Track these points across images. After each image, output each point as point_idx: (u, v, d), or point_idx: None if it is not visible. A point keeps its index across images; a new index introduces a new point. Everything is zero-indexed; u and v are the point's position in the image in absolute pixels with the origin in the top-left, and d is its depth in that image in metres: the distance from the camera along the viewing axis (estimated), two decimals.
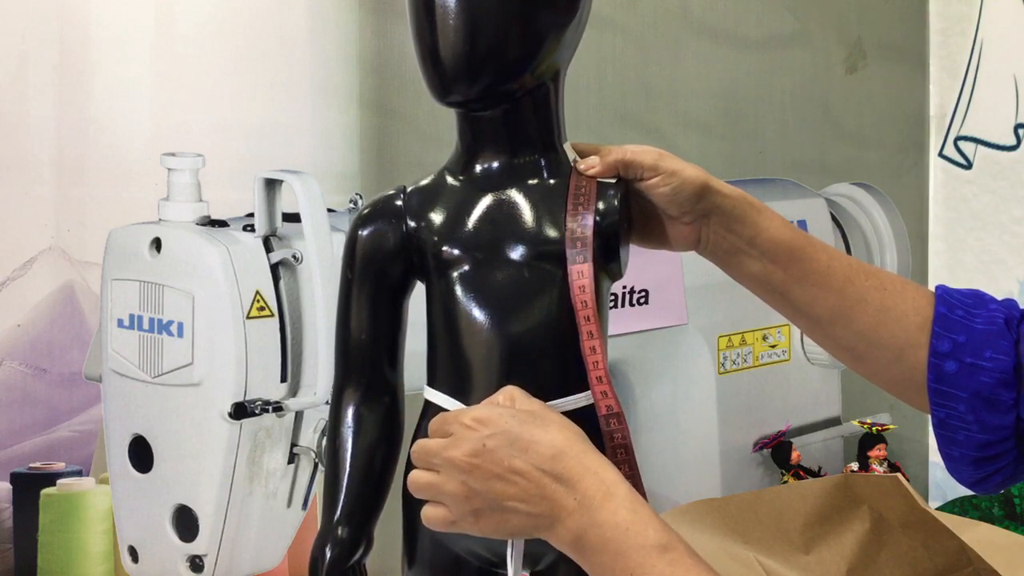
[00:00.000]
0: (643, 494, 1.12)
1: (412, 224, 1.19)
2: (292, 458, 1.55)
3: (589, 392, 1.15)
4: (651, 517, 1.06)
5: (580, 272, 1.14)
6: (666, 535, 1.05)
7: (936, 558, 1.59)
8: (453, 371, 1.17)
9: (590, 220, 1.15)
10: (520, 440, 1.07)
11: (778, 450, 1.97)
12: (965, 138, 2.58)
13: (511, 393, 1.12)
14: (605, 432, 1.13)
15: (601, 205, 1.16)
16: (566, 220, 1.15)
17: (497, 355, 1.15)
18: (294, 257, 1.52)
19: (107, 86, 1.98)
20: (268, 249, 1.52)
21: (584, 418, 1.14)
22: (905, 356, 1.22)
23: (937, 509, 1.80)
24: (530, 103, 1.18)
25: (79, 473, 1.93)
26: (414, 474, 1.11)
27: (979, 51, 2.56)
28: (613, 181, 1.18)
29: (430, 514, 1.11)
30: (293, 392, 1.53)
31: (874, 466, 1.97)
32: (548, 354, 1.15)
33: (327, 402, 1.42)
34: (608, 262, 1.17)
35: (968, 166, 2.58)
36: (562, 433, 1.08)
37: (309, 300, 1.52)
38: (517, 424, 1.08)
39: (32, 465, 1.94)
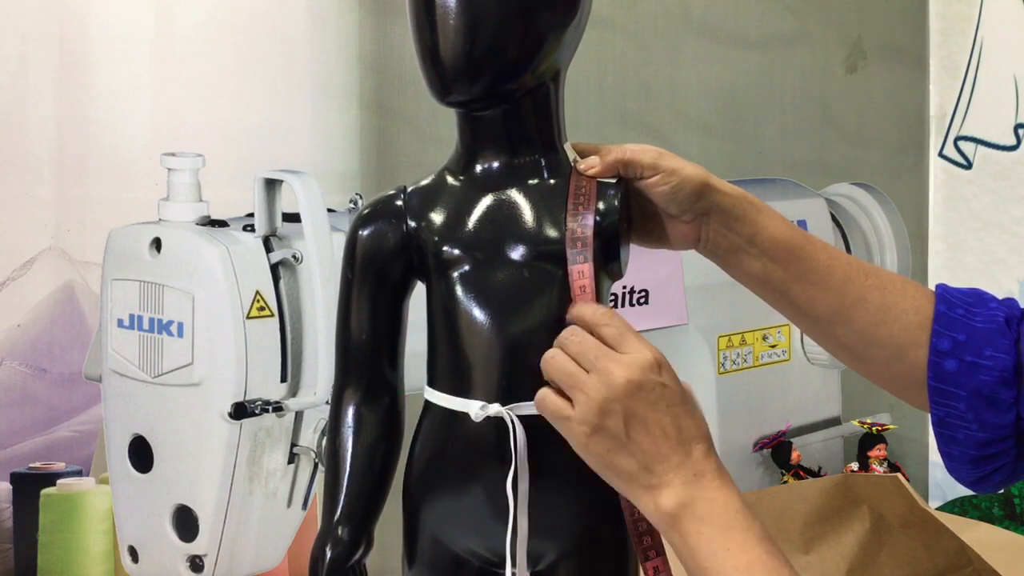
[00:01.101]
0: None
1: (412, 224, 1.19)
2: (292, 458, 1.55)
3: None
4: (756, 517, 1.08)
5: (581, 272, 1.14)
6: (767, 532, 1.07)
7: (936, 558, 1.59)
8: (453, 371, 1.17)
9: (591, 220, 1.15)
10: (683, 406, 1.09)
11: (778, 450, 1.97)
12: (965, 138, 2.58)
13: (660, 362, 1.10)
14: None
15: (601, 205, 1.16)
16: (566, 220, 1.15)
17: (497, 355, 1.15)
18: (294, 257, 1.52)
19: (107, 86, 1.98)
20: (268, 249, 1.52)
21: None
22: (905, 355, 1.22)
23: (937, 509, 1.80)
24: (530, 103, 1.18)
25: (79, 473, 1.93)
26: (558, 356, 1.09)
27: (979, 51, 2.56)
28: (613, 181, 1.18)
29: (549, 403, 1.09)
30: (293, 392, 1.53)
31: (874, 466, 1.97)
32: None
33: (327, 402, 1.42)
34: (608, 262, 1.17)
35: (968, 166, 2.58)
36: (705, 425, 1.11)
37: (309, 300, 1.52)
38: (683, 395, 1.09)
39: (32, 465, 1.94)
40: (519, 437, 1.13)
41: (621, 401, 1.07)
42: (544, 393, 1.10)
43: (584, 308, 1.11)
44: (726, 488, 1.08)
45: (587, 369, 1.08)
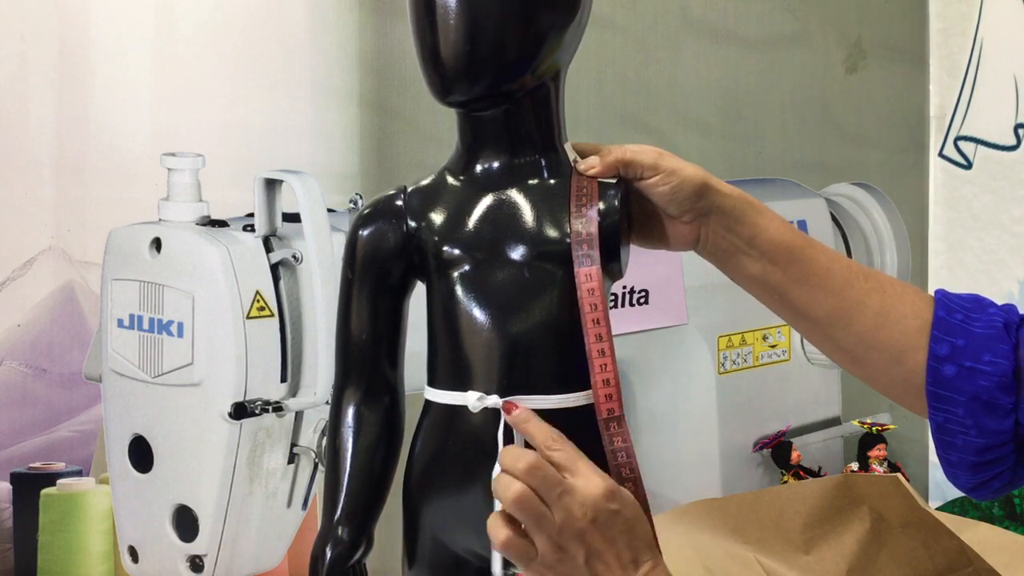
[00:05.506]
0: (644, 497, 1.13)
1: (413, 224, 1.19)
2: (292, 458, 1.56)
3: (588, 392, 1.15)
4: None
5: (588, 275, 1.14)
6: None
7: (936, 558, 1.59)
8: (454, 371, 1.17)
9: (595, 223, 1.15)
10: (634, 525, 1.10)
11: (778, 450, 1.97)
12: (965, 138, 2.58)
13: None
14: (605, 435, 1.13)
15: (602, 205, 1.16)
16: (570, 222, 1.15)
17: (497, 355, 1.15)
18: (294, 257, 1.52)
19: (107, 86, 1.98)
20: (268, 249, 1.52)
21: (580, 417, 1.14)
22: (903, 359, 1.21)
23: (937, 509, 1.80)
24: (530, 103, 1.18)
25: (79, 473, 1.93)
26: (525, 492, 1.10)
27: (979, 51, 2.56)
28: (613, 181, 1.18)
29: (513, 547, 1.12)
30: (293, 392, 1.53)
31: (874, 466, 1.97)
32: (548, 354, 1.15)
33: (327, 402, 1.42)
34: (609, 262, 1.17)
35: (968, 166, 2.58)
36: (651, 528, 1.12)
37: (309, 300, 1.52)
38: (634, 510, 1.11)
39: (32, 465, 1.94)
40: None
41: (582, 538, 1.10)
42: (504, 534, 1.12)
43: (536, 429, 1.12)
44: None
45: (548, 503, 1.10)
